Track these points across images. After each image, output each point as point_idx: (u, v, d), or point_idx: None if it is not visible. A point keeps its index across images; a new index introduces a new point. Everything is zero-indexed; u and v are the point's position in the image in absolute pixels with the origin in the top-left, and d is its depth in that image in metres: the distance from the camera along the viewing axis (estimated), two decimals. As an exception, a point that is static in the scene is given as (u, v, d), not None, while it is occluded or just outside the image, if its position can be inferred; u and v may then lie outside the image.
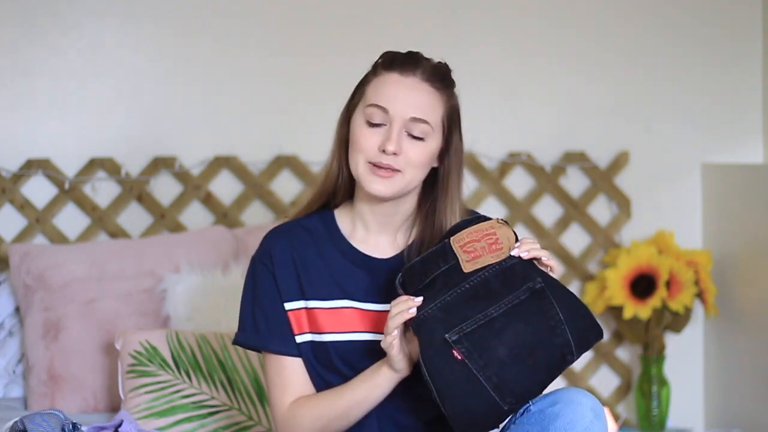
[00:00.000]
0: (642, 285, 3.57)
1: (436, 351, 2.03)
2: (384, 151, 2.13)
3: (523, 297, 2.05)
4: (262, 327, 2.21)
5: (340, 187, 2.25)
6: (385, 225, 2.24)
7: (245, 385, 2.86)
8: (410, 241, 2.25)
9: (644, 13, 3.77)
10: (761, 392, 3.50)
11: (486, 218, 2.13)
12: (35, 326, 3.18)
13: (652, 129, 3.78)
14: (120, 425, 2.47)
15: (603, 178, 3.74)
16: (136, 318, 3.19)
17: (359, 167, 2.16)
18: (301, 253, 2.22)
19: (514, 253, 2.07)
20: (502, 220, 2.11)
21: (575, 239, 3.75)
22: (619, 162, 3.74)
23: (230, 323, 3.08)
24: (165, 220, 3.53)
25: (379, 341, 2.13)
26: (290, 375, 2.21)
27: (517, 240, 2.10)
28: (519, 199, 3.71)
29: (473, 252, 2.07)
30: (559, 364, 2.05)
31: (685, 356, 3.78)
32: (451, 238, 2.10)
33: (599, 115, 3.75)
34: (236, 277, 3.18)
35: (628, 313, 3.55)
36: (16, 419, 2.54)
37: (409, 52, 2.19)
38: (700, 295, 3.60)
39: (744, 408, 3.60)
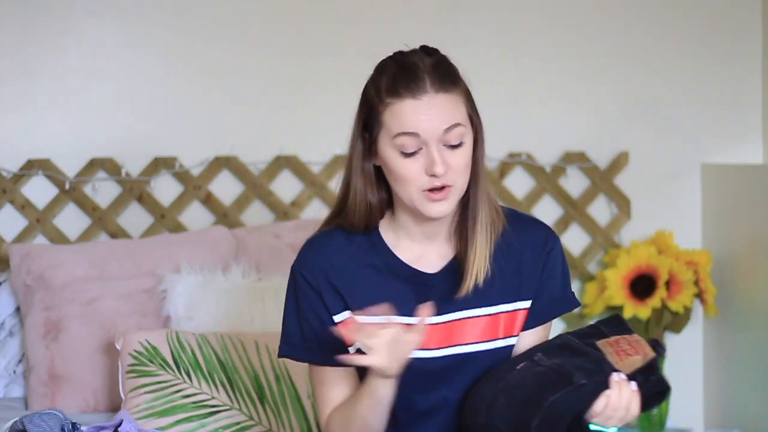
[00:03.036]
0: (641, 285, 3.57)
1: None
2: (434, 175, 2.04)
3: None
4: (310, 339, 2.14)
5: (373, 211, 2.15)
6: (433, 235, 2.16)
7: (245, 385, 2.86)
8: (456, 250, 2.16)
9: (644, 13, 3.77)
10: (761, 392, 3.50)
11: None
12: (36, 326, 3.18)
13: (652, 129, 3.78)
14: (120, 425, 2.47)
15: (603, 179, 3.74)
16: (136, 318, 3.19)
17: (413, 198, 2.07)
18: (338, 265, 2.14)
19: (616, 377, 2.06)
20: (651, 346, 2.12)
21: (575, 239, 3.75)
22: (619, 162, 3.74)
23: (230, 323, 3.09)
24: (165, 220, 3.53)
25: (426, 358, 2.12)
26: (331, 386, 2.15)
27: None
28: (519, 199, 3.71)
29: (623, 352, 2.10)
30: None
31: (685, 356, 3.78)
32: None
33: (599, 115, 3.76)
34: (236, 277, 3.18)
35: (627, 314, 3.55)
36: (15, 419, 2.54)
37: (402, 65, 2.08)
38: (699, 296, 3.60)
39: (744, 408, 3.60)
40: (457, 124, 2.07)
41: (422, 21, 3.65)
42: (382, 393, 2.06)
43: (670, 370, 3.69)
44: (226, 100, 3.59)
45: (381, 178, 2.14)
